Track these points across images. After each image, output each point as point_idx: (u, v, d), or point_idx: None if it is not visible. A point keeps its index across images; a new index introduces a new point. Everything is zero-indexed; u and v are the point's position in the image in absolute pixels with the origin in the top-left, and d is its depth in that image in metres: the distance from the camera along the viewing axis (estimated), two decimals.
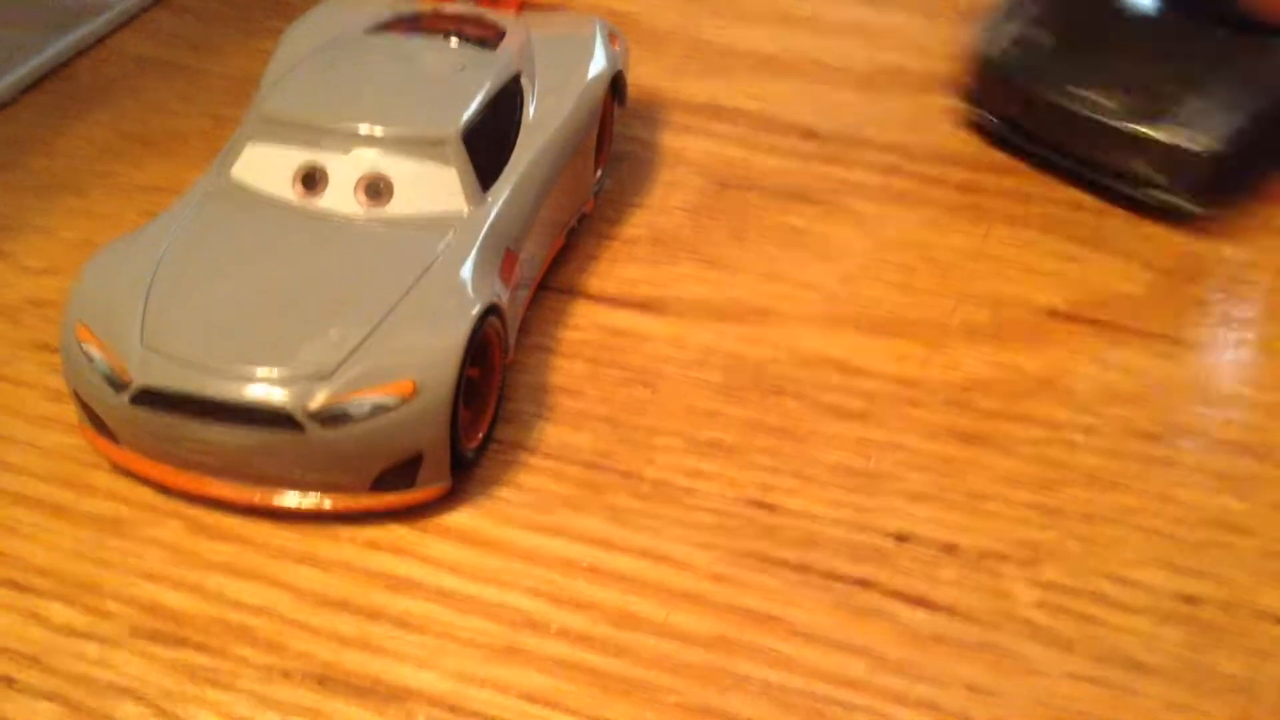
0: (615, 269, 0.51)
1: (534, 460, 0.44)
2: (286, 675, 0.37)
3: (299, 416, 0.39)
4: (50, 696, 0.36)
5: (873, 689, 0.37)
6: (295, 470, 0.40)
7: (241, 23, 0.64)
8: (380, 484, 0.40)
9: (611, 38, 0.53)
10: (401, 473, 0.40)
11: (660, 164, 0.56)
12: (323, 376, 0.39)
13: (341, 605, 0.39)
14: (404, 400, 0.39)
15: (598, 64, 0.51)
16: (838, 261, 0.52)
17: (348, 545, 0.41)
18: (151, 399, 0.39)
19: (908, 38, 0.65)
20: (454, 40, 0.49)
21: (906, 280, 0.51)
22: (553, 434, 0.44)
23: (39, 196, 0.54)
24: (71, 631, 0.38)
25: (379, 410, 0.39)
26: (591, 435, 0.44)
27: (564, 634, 0.38)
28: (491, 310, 0.42)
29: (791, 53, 0.64)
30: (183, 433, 0.39)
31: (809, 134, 0.59)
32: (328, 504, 0.40)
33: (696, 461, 0.44)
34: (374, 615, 0.39)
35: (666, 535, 0.41)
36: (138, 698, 0.36)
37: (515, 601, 0.39)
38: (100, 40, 0.63)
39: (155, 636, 0.38)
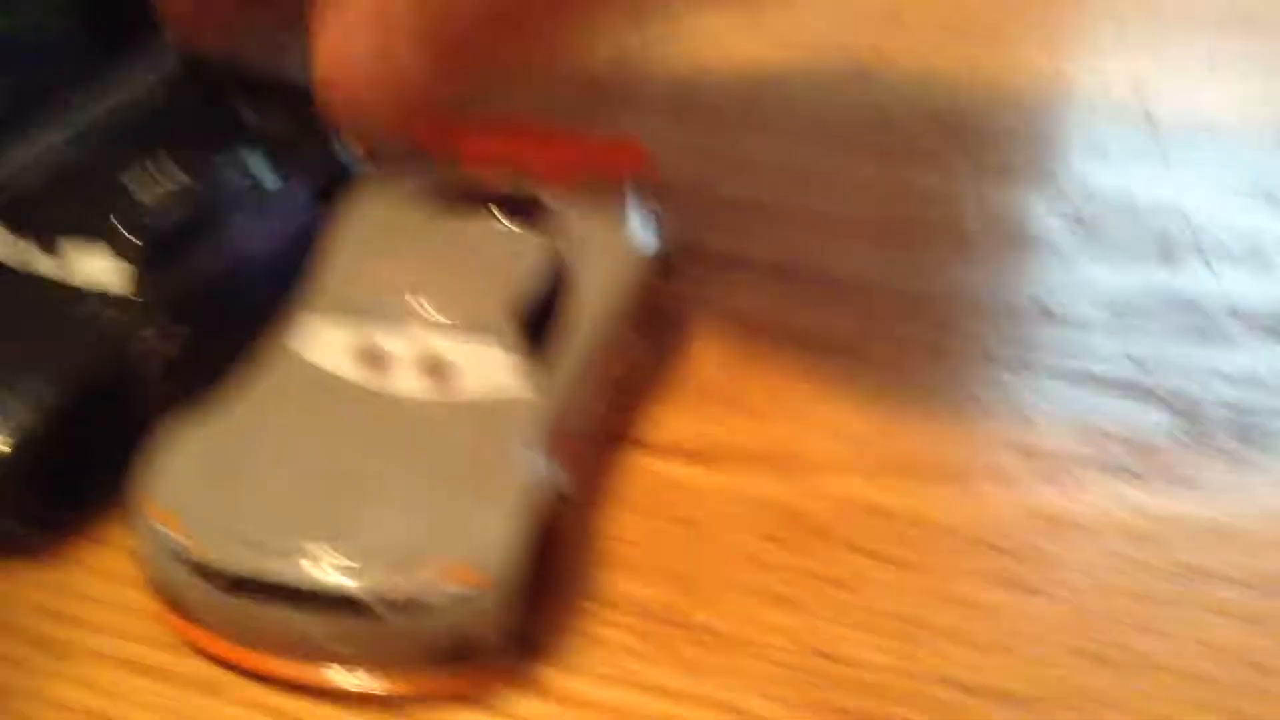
0: (659, 419, 0.53)
1: (598, 611, 0.46)
2: None
3: (369, 601, 0.40)
4: None
5: None
6: (364, 654, 0.41)
7: None
8: (447, 669, 0.41)
9: (650, 209, 0.55)
10: (465, 657, 0.41)
11: (690, 314, 0.59)
12: (394, 563, 0.40)
13: None
14: (473, 586, 0.41)
15: (637, 236, 0.53)
16: (866, 409, 0.54)
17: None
18: (225, 581, 0.40)
19: (915, 188, 0.69)
20: (500, 218, 0.50)
21: (935, 427, 0.53)
22: (613, 585, 0.46)
23: None
24: None
25: (448, 595, 0.40)
26: (652, 586, 0.46)
27: None
28: (552, 490, 0.44)
29: (794, 205, 0.67)
30: (254, 615, 0.41)
31: (828, 282, 0.62)
32: (394, 687, 0.41)
33: (757, 611, 0.46)
34: None
35: (736, 687, 0.43)
36: None
37: None
38: None
39: None
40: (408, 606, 0.40)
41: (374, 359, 0.45)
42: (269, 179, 0.52)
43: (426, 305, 0.46)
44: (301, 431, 0.44)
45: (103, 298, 0.48)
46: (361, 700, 0.42)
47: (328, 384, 0.45)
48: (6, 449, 0.43)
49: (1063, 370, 0.57)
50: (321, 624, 0.40)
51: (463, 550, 0.41)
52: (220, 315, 0.50)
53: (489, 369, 0.45)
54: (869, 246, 0.64)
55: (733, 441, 0.53)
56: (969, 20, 0.87)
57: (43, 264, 0.48)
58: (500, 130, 0.55)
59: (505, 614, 0.41)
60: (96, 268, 0.48)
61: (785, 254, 0.63)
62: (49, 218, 0.49)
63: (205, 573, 0.40)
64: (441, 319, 0.46)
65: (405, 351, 0.45)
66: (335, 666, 0.41)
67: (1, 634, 0.43)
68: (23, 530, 0.45)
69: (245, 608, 0.40)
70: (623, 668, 0.43)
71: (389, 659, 0.41)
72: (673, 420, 0.53)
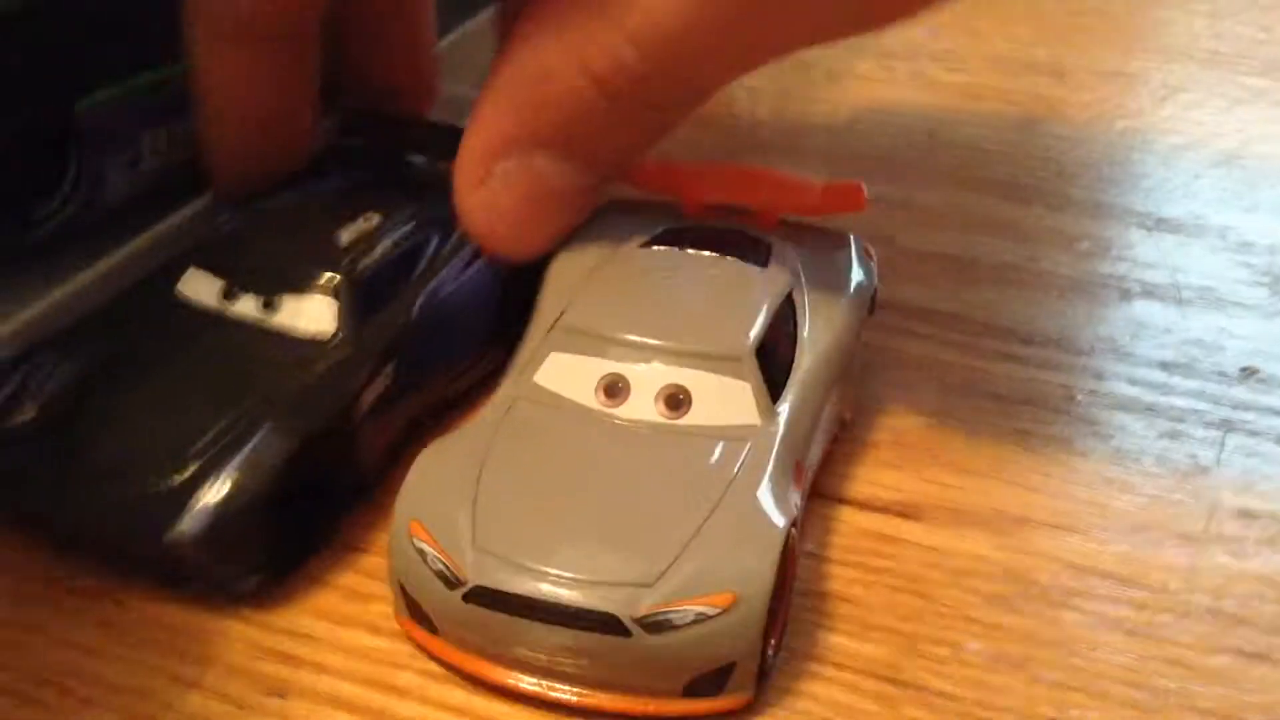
0: (865, 473, 0.52)
1: (823, 670, 0.44)
2: None
3: (625, 622, 0.40)
4: None
5: None
6: (612, 673, 0.41)
7: None
8: (691, 691, 0.41)
9: (866, 252, 0.56)
10: (712, 680, 0.41)
11: (886, 366, 0.58)
12: (647, 584, 0.40)
13: None
14: (723, 610, 0.40)
15: (857, 279, 0.54)
16: (1079, 470, 0.53)
17: None
18: (484, 598, 0.41)
19: (1101, 243, 0.67)
20: (731, 257, 0.51)
21: (1152, 489, 0.52)
22: (837, 643, 0.45)
23: None
24: None
25: (700, 619, 0.40)
26: (875, 645, 0.45)
27: None
28: (792, 521, 0.43)
29: (988, 259, 0.66)
30: (508, 631, 0.41)
31: (1026, 340, 0.60)
32: (641, 707, 0.41)
33: (984, 674, 0.44)
34: None
35: None
36: None
37: None
38: None
39: None
40: (659, 627, 0.40)
41: (615, 389, 0.46)
42: (451, 220, 0.52)
43: (666, 339, 0.47)
44: (550, 457, 0.45)
45: (318, 344, 0.49)
46: None
47: (572, 413, 0.46)
48: (238, 500, 0.44)
49: (1275, 433, 0.55)
50: (574, 641, 0.40)
51: (715, 574, 0.41)
52: (421, 353, 0.51)
53: (727, 399, 0.46)
54: (1060, 300, 0.63)
55: (939, 497, 0.51)
56: (1132, 71, 0.86)
57: (257, 313, 0.49)
58: (723, 173, 0.55)
59: (753, 639, 0.41)
60: (311, 315, 0.49)
61: (970, 306, 0.62)
62: (262, 268, 0.50)
63: (463, 589, 0.41)
64: (681, 351, 0.46)
65: (646, 382, 0.46)
66: (581, 686, 0.41)
67: (222, 673, 0.43)
68: (250, 576, 0.45)
69: (500, 623, 0.41)
70: None
71: (636, 680, 0.41)
72: (876, 474, 0.52)
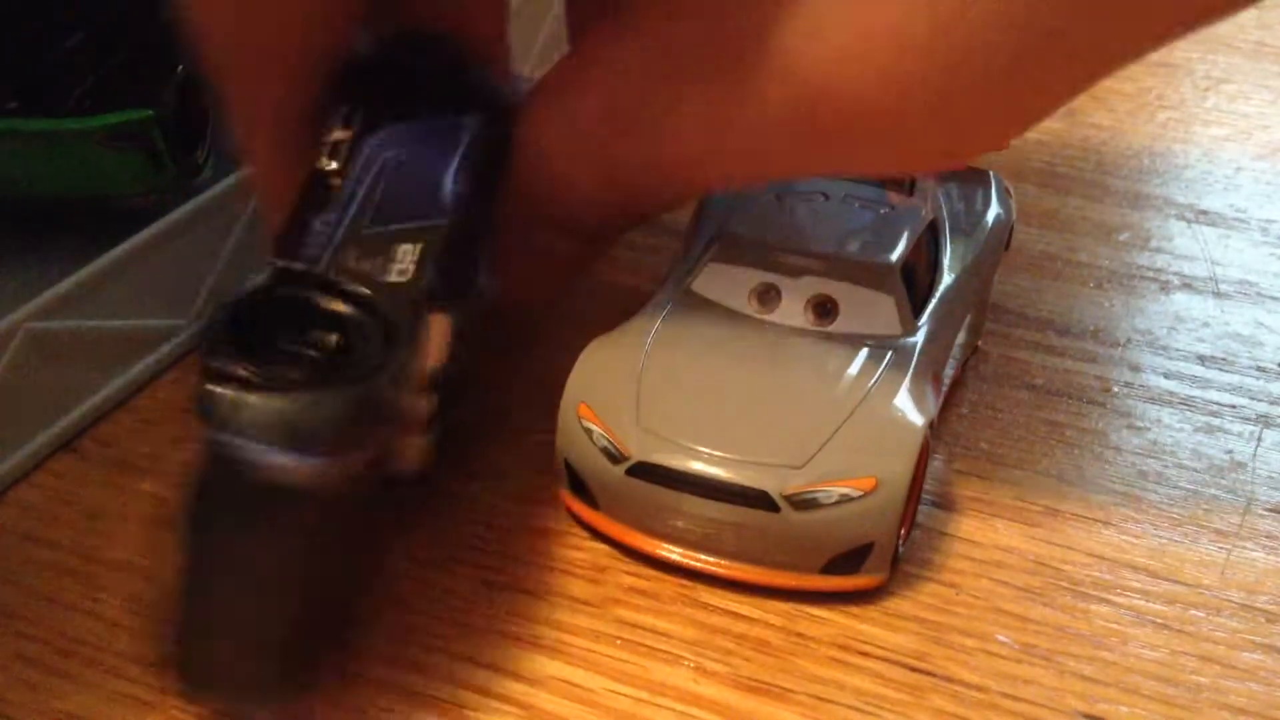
0: None
1: (849, 658, 0.44)
2: None
3: (776, 499, 0.43)
4: None
5: None
6: (759, 548, 0.44)
7: None
8: (830, 568, 0.45)
9: (1006, 190, 0.59)
10: (851, 559, 0.45)
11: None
12: (796, 466, 0.44)
13: None
14: (866, 493, 0.44)
15: (995, 213, 0.57)
16: (1113, 463, 0.52)
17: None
18: (646, 473, 0.44)
19: (1139, 235, 0.67)
20: (879, 190, 0.54)
21: (1188, 483, 0.51)
22: (865, 631, 0.45)
23: None
24: None
25: (844, 500, 0.43)
26: (903, 634, 0.45)
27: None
28: (930, 421, 0.46)
29: (1024, 247, 0.65)
30: (667, 504, 0.45)
31: (1062, 330, 0.60)
32: (783, 580, 0.45)
33: (1013, 667, 0.44)
34: None
35: None
36: None
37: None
38: None
39: None
40: (806, 504, 0.43)
41: (768, 297, 0.49)
42: None
43: (818, 253, 0.50)
44: (705, 354, 0.48)
45: None
46: (747, 590, 0.45)
47: (726, 316, 0.49)
48: None
49: None
50: (726, 515, 0.44)
51: (859, 461, 0.44)
52: None
53: (872, 310, 0.49)
54: (1097, 292, 0.62)
55: (973, 487, 0.51)
56: (1175, 62, 0.85)
57: None
58: None
59: (891, 522, 0.44)
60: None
61: (1007, 296, 0.62)
62: None
63: (627, 464, 0.45)
64: (831, 264, 0.49)
65: (797, 292, 0.49)
66: (728, 558, 0.45)
67: None
68: None
69: (658, 496, 0.44)
70: (876, 718, 0.42)
71: (780, 555, 0.44)
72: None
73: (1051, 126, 0.76)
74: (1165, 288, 0.63)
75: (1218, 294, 0.62)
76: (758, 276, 0.49)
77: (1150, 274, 0.64)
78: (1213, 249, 0.66)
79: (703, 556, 0.45)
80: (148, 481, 0.50)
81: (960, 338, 0.54)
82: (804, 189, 0.54)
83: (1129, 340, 0.59)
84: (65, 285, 0.51)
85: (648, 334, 0.48)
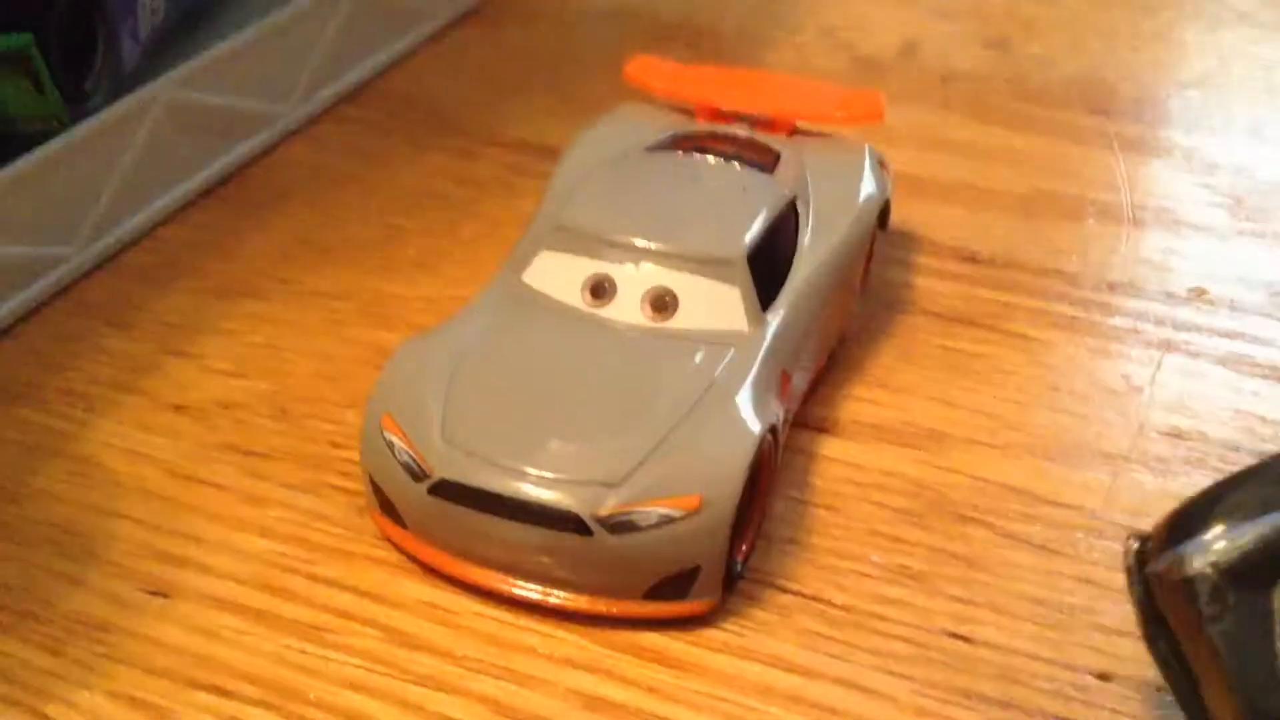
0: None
1: None
2: None
3: (588, 521, 0.40)
4: None
5: None
6: (575, 572, 0.41)
7: (406, 135, 0.66)
8: (654, 593, 0.41)
9: (881, 164, 0.54)
10: (676, 584, 0.41)
11: None
12: (612, 484, 0.40)
13: None
14: (689, 514, 0.40)
15: (868, 190, 0.53)
16: (1005, 387, 0.52)
17: (543, 661, 0.40)
18: (448, 491, 0.41)
19: (1059, 162, 0.66)
20: (735, 163, 0.50)
21: (1080, 408, 0.51)
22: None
23: (220, 300, 0.55)
24: None
25: (665, 521, 0.40)
26: (778, 556, 0.44)
27: None
28: (769, 430, 0.43)
29: (942, 176, 0.65)
30: (473, 526, 0.41)
31: (970, 258, 0.59)
32: (602, 608, 0.41)
33: (885, 588, 0.43)
34: None
35: (862, 664, 0.41)
36: None
37: None
38: (272, 150, 0.64)
39: None
40: (622, 527, 0.40)
41: (602, 289, 0.45)
42: None
43: (655, 240, 0.46)
44: (528, 355, 0.44)
45: None
46: (554, 618, 0.41)
47: (556, 312, 0.45)
48: None
49: (1217, 354, 0.53)
50: (537, 539, 0.40)
51: (683, 476, 0.40)
52: None
53: (715, 304, 0.45)
54: (1016, 222, 0.61)
55: (859, 413, 0.50)
56: None
57: None
58: (738, 79, 0.55)
59: (718, 544, 0.40)
60: None
61: (917, 223, 0.61)
62: None
63: (429, 483, 0.41)
64: (670, 253, 0.46)
65: (633, 284, 0.45)
66: (544, 584, 0.41)
67: (106, 572, 0.43)
68: None
69: (464, 518, 0.41)
70: (746, 638, 0.41)
71: (599, 581, 0.41)
72: (813, 392, 0.51)
73: (985, 56, 0.75)
74: (1079, 214, 0.62)
75: (1133, 221, 0.62)
76: (592, 266, 0.46)
77: (1065, 201, 0.63)
78: (1133, 176, 0.65)
79: (517, 583, 0.41)
80: (26, 408, 0.49)
81: (822, 326, 0.49)
82: (653, 161, 0.50)
83: (1037, 267, 0.58)
84: None
85: (466, 333, 0.44)
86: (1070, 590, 0.43)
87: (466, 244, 0.58)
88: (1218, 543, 0.34)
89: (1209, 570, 0.33)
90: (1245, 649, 0.33)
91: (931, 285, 0.57)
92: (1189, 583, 0.34)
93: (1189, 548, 0.34)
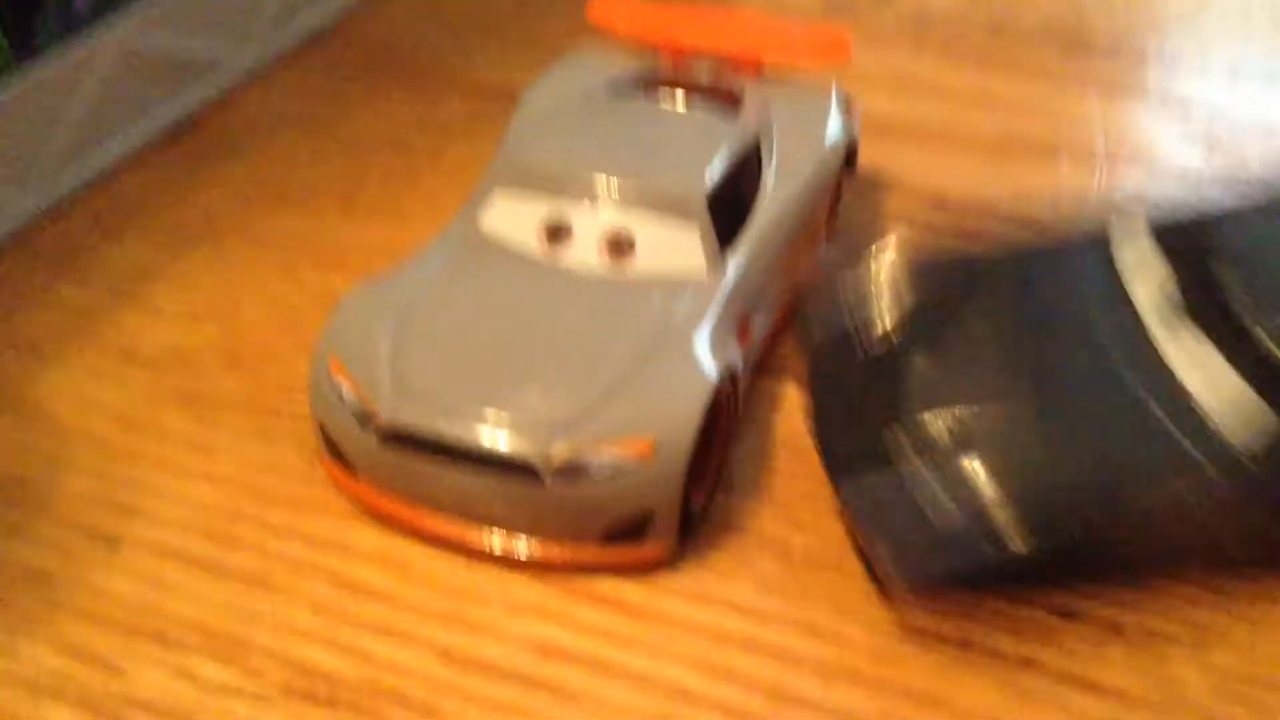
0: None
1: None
2: None
3: (539, 467, 0.39)
4: None
5: None
6: (528, 519, 0.40)
7: (368, 80, 0.65)
8: (609, 539, 0.40)
9: (848, 105, 0.53)
10: (631, 529, 0.40)
11: None
12: (565, 429, 0.39)
13: (492, 669, 0.38)
14: (642, 458, 0.39)
15: (834, 133, 0.51)
16: None
17: (496, 609, 0.40)
18: (398, 438, 0.40)
19: (1034, 105, 0.65)
20: (698, 103, 0.49)
21: None
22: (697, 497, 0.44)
23: (175, 246, 0.54)
24: (223, 689, 0.37)
25: (617, 466, 0.39)
26: (738, 500, 0.43)
27: (719, 708, 0.37)
28: (727, 374, 0.42)
29: (914, 119, 0.63)
30: (423, 472, 0.40)
31: (940, 204, 0.58)
32: (556, 555, 0.40)
33: (844, 532, 0.43)
34: (526, 681, 0.38)
35: (820, 607, 0.40)
36: None
37: (668, 673, 0.38)
38: (230, 94, 0.63)
39: (307, 696, 0.37)
40: (574, 472, 0.39)
41: (558, 233, 0.44)
42: None
43: (614, 182, 0.45)
44: (482, 300, 0.43)
45: None
46: (507, 565, 0.41)
47: (511, 256, 0.44)
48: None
49: None
50: (488, 486, 0.39)
51: (636, 420, 0.39)
52: None
53: (673, 246, 0.44)
54: (988, 165, 0.60)
55: None
56: None
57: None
58: (701, 18, 0.54)
59: (672, 488, 0.40)
60: None
61: (888, 170, 0.60)
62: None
63: (378, 429, 0.40)
64: (627, 194, 0.44)
65: (590, 226, 0.44)
66: (493, 530, 0.40)
67: (53, 522, 0.42)
68: None
69: (414, 465, 0.40)
70: (704, 583, 0.41)
71: (552, 526, 0.40)
72: (780, 335, 0.50)
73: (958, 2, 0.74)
74: (1053, 157, 0.61)
75: (1105, 164, 0.61)
76: (548, 209, 0.44)
77: (1039, 144, 0.62)
78: (1107, 116, 0.64)
79: (470, 530, 0.40)
80: None
81: (785, 269, 0.48)
82: (614, 101, 0.49)
83: (1008, 210, 0.57)
84: None
85: (419, 278, 0.43)
86: None
87: (427, 190, 0.57)
88: None
89: None
90: None
91: (899, 230, 0.56)
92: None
93: None
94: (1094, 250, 0.46)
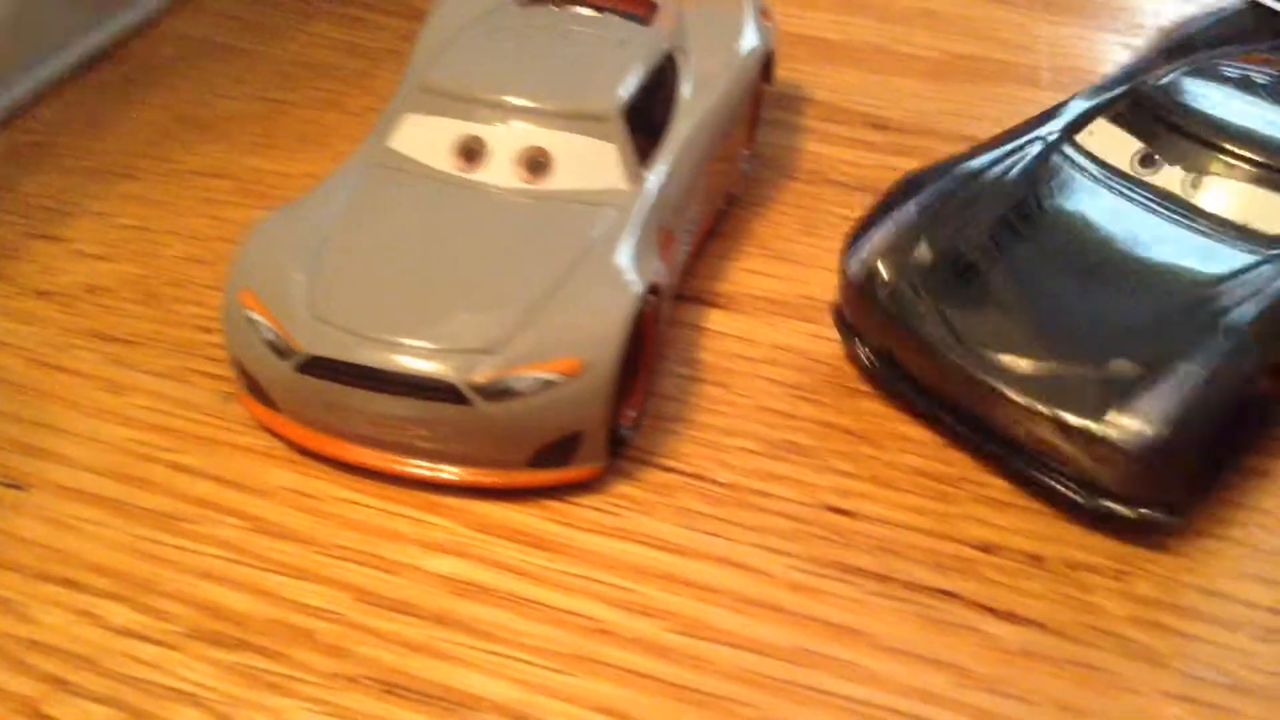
0: (695, 266, 0.49)
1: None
2: (352, 681, 0.36)
3: (464, 390, 0.38)
4: (105, 700, 0.35)
5: (958, 705, 0.36)
6: (455, 444, 0.39)
7: (294, 4, 0.63)
8: (538, 461, 0.40)
9: (763, 14, 0.52)
10: (560, 450, 0.40)
11: None
12: (488, 351, 0.38)
13: (406, 608, 0.38)
14: (568, 377, 0.39)
15: (750, 41, 0.51)
16: None
17: (411, 546, 0.39)
18: (318, 368, 0.39)
19: (978, 25, 0.63)
20: (610, 14, 0.48)
21: None
22: (619, 434, 0.43)
23: (92, 180, 0.52)
24: (128, 632, 0.37)
25: (543, 386, 0.38)
26: (662, 434, 0.43)
27: (636, 643, 0.37)
28: (651, 289, 0.41)
29: (857, 40, 0.62)
30: (347, 402, 0.39)
31: (879, 125, 0.57)
32: (485, 479, 0.40)
33: (770, 464, 0.42)
34: (439, 620, 0.37)
35: (741, 541, 0.40)
36: (197, 703, 0.35)
37: (585, 608, 0.38)
38: (152, 22, 0.61)
39: (215, 639, 0.37)
40: (500, 394, 0.38)
41: (473, 152, 0.43)
42: None
43: (526, 97, 0.43)
44: (397, 224, 0.42)
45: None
46: (423, 505, 0.40)
47: (425, 178, 0.43)
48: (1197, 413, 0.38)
49: None
50: (413, 412, 0.38)
51: (561, 339, 0.39)
52: None
53: (591, 162, 0.43)
54: (930, 87, 0.59)
55: (755, 286, 0.48)
56: None
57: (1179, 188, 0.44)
58: None
59: (599, 407, 0.39)
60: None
61: (828, 90, 0.59)
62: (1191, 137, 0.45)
63: (296, 360, 0.39)
64: (542, 110, 0.43)
65: (505, 144, 0.43)
66: (425, 459, 0.40)
67: None
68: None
69: (337, 394, 0.39)
70: (623, 518, 0.40)
71: (480, 451, 0.39)
72: (692, 263, 0.49)
73: None
74: (997, 79, 0.60)
75: (1052, 85, 0.59)
76: (461, 128, 0.43)
77: (983, 65, 0.61)
78: (1050, 38, 0.63)
79: (395, 459, 0.40)
80: None
81: (705, 182, 0.47)
82: (524, 12, 0.48)
83: (950, 132, 0.56)
84: None
85: (330, 205, 0.42)
86: (955, 461, 0.42)
87: (354, 118, 0.56)
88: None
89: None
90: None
91: (838, 154, 0.55)
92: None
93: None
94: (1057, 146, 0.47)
